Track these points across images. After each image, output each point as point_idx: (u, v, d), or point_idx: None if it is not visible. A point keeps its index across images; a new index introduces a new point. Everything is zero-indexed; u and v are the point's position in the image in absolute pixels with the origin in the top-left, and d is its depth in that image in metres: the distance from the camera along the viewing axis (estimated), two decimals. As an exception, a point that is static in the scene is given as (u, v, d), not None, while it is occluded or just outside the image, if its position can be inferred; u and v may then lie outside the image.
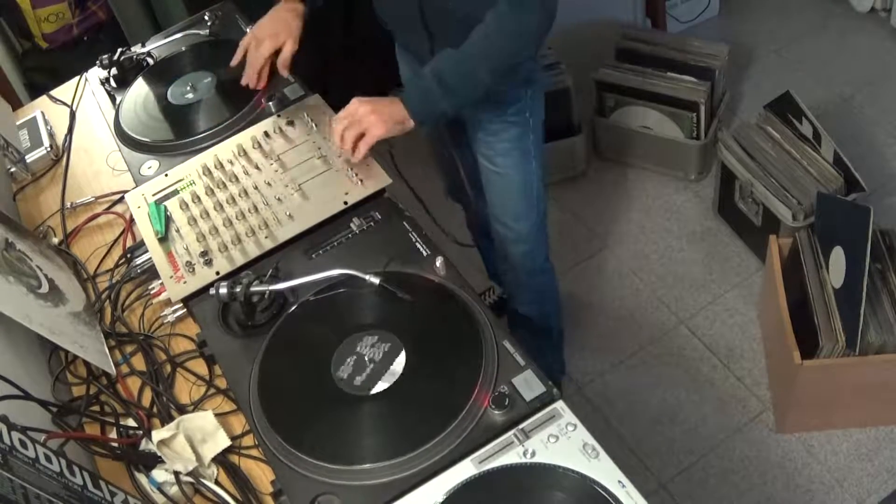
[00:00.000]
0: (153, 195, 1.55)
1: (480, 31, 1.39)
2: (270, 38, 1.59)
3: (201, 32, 1.91)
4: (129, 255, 1.51)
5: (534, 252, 1.86)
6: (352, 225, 1.41)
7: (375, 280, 1.26)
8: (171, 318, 1.39)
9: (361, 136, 1.41)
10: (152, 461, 1.18)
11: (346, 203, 1.44)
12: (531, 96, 1.62)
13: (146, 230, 1.49)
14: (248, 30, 1.82)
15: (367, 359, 1.20)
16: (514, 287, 1.96)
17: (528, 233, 1.80)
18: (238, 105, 1.65)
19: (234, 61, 1.67)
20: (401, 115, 1.40)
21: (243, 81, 1.65)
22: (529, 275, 1.91)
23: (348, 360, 1.21)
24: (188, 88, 1.74)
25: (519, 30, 1.39)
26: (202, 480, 1.16)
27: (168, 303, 1.40)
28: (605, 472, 1.03)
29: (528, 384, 1.14)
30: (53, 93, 1.94)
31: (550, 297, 2.02)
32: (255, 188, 1.50)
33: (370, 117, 1.39)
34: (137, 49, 1.91)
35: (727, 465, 2.05)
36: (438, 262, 1.29)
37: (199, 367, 1.33)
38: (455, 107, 1.41)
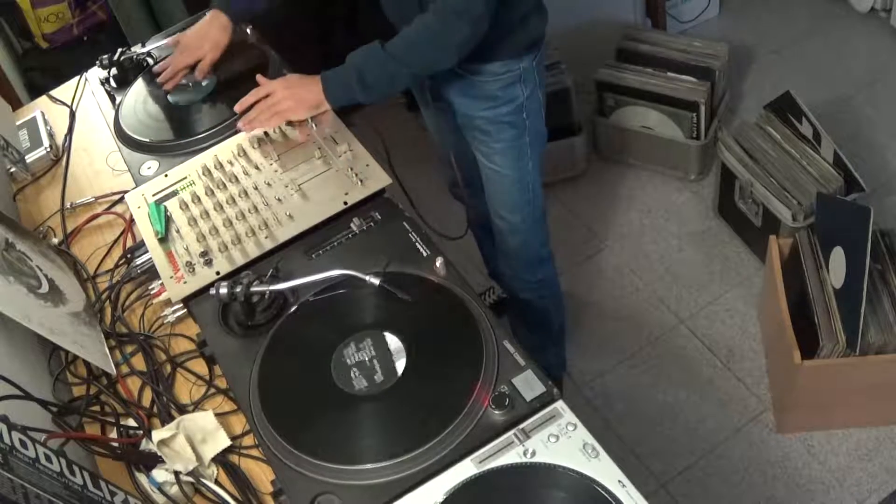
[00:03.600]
0: (153, 195, 1.55)
1: (407, 37, 1.43)
2: (195, 48, 1.70)
3: (201, 32, 1.91)
4: (129, 256, 1.51)
5: (530, 243, 1.87)
6: (352, 225, 1.41)
7: (375, 280, 1.26)
8: (171, 319, 1.39)
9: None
10: (152, 461, 1.18)
11: (346, 203, 1.44)
12: (528, 97, 1.62)
13: (146, 230, 1.49)
14: (248, 29, 1.83)
15: (367, 359, 1.20)
16: (513, 280, 1.96)
17: (523, 224, 1.82)
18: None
19: (159, 68, 1.75)
20: (319, 99, 1.49)
21: (159, 75, 1.74)
22: (527, 266, 1.92)
23: (348, 360, 1.21)
24: (188, 88, 1.74)
25: (442, 41, 1.43)
26: (202, 480, 1.16)
27: (168, 303, 1.40)
28: (605, 471, 1.03)
29: (529, 384, 1.14)
30: (53, 93, 1.94)
31: (550, 290, 2.03)
32: (255, 188, 1.50)
33: (288, 102, 1.50)
34: (137, 49, 1.91)
35: (727, 465, 2.05)
36: (438, 262, 1.29)
37: (200, 367, 1.33)
38: (371, 100, 1.48)
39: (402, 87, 1.53)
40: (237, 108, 1.55)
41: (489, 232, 1.95)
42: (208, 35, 1.69)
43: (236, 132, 1.62)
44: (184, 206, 1.51)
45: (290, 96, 1.50)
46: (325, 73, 1.49)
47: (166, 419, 1.25)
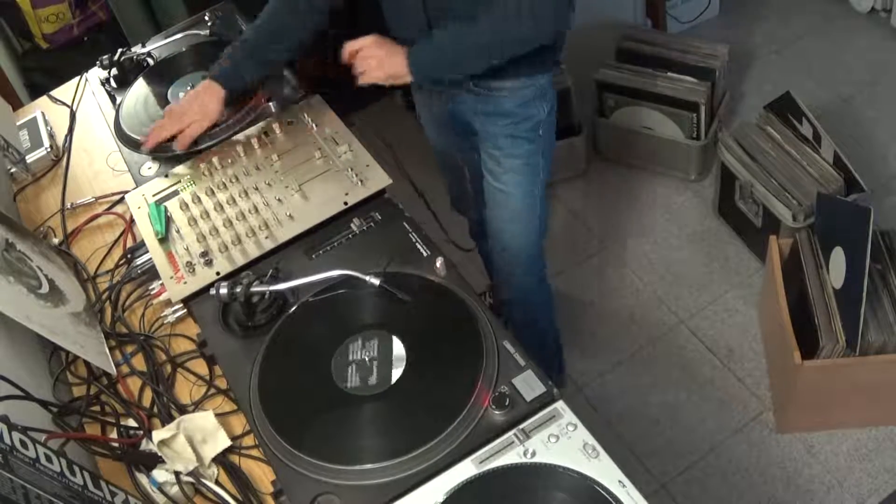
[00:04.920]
0: (153, 196, 1.55)
1: (489, 27, 1.40)
2: (186, 116, 1.59)
3: (201, 33, 1.91)
4: (129, 256, 1.51)
5: (530, 269, 1.85)
6: (352, 225, 1.42)
7: (375, 281, 1.26)
8: (171, 319, 1.39)
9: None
10: (153, 461, 1.18)
11: (346, 203, 1.44)
12: (548, 113, 1.62)
13: (146, 231, 1.49)
14: (244, 27, 1.83)
15: (367, 359, 1.20)
16: (509, 301, 1.95)
17: (526, 251, 1.80)
18: (238, 105, 1.65)
19: (144, 138, 1.62)
20: (403, 71, 1.47)
21: (142, 139, 1.62)
22: (525, 290, 1.90)
23: (348, 360, 1.21)
24: (188, 89, 1.73)
25: (528, 35, 1.41)
26: (203, 480, 1.16)
27: (168, 303, 1.40)
28: (605, 471, 1.03)
29: (529, 384, 1.14)
30: (54, 93, 1.94)
31: (544, 311, 2.01)
32: (256, 189, 1.50)
33: (372, 61, 1.47)
34: (138, 49, 1.91)
35: (727, 465, 2.05)
36: (438, 262, 1.29)
37: (200, 367, 1.33)
38: (454, 77, 1.50)
39: (484, 68, 1.49)
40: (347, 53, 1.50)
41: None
42: (199, 104, 1.59)
43: (237, 132, 1.62)
44: (184, 206, 1.51)
45: (376, 56, 1.47)
46: (412, 47, 1.47)
47: (166, 419, 1.26)
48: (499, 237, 1.80)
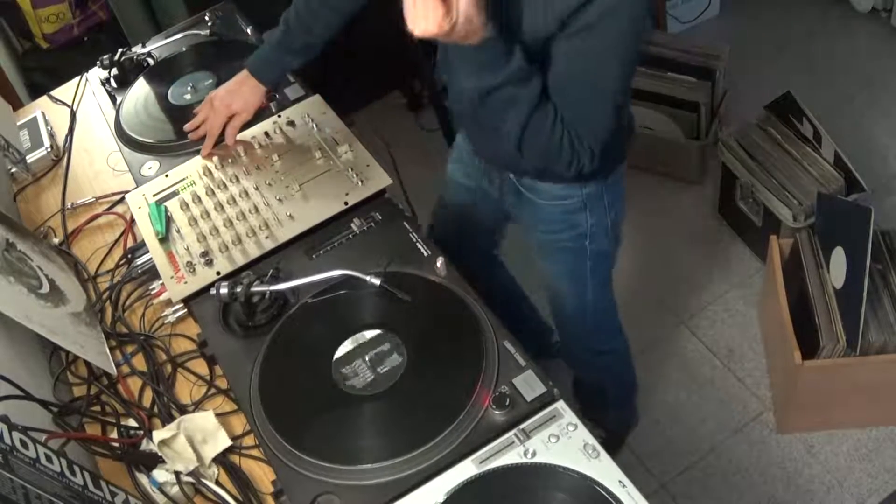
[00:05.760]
0: (154, 195, 1.55)
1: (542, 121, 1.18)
2: (225, 108, 1.57)
3: (202, 32, 1.91)
4: (129, 256, 1.51)
5: (591, 336, 1.77)
6: (352, 225, 1.42)
7: (376, 281, 1.26)
8: (171, 319, 1.39)
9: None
10: (153, 461, 1.18)
11: (346, 203, 1.44)
12: (595, 224, 1.43)
13: (147, 230, 1.49)
14: (249, 29, 1.82)
15: (367, 359, 1.20)
16: (569, 354, 1.91)
17: (578, 339, 1.76)
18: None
19: (191, 125, 1.62)
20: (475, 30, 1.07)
21: (196, 137, 1.61)
22: (593, 354, 1.84)
23: (349, 360, 1.21)
24: (189, 89, 1.74)
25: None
26: (203, 480, 1.16)
27: (169, 303, 1.40)
28: (605, 471, 1.03)
29: (529, 384, 1.14)
30: (54, 93, 1.94)
31: (613, 365, 1.92)
32: (256, 189, 1.50)
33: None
34: (138, 49, 1.91)
35: (727, 465, 2.05)
36: (439, 262, 1.29)
37: (200, 367, 1.33)
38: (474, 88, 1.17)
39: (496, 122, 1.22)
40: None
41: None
42: (240, 96, 1.57)
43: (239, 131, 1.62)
44: (184, 206, 1.51)
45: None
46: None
47: (167, 419, 1.26)
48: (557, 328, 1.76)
